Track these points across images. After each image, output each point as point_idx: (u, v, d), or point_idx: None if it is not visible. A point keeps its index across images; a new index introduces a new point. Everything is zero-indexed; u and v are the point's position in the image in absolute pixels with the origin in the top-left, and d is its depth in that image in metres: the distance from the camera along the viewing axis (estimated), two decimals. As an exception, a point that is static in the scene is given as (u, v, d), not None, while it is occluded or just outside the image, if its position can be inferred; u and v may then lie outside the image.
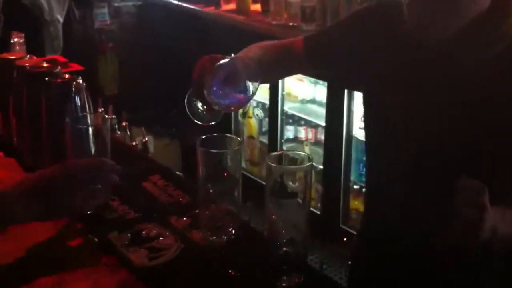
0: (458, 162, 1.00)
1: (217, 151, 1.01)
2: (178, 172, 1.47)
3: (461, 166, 0.98)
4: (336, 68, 1.26)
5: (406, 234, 1.05)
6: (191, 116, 1.12)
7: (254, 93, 1.04)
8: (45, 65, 1.40)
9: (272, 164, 0.92)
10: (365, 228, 1.25)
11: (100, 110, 1.30)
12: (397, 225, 1.07)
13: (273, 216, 0.94)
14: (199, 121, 1.13)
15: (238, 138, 1.04)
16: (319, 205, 2.89)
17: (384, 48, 1.09)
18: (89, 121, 1.23)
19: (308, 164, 0.92)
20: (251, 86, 1.04)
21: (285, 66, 1.26)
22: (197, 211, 1.09)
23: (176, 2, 3.79)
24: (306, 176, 0.92)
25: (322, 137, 2.92)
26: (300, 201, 0.93)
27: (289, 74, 1.45)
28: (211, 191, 1.02)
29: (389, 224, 1.10)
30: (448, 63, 1.01)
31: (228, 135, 1.07)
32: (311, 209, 3.04)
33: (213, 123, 1.13)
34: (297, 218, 0.94)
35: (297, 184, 0.94)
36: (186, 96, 1.12)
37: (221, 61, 1.02)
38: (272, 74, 1.26)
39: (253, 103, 3.35)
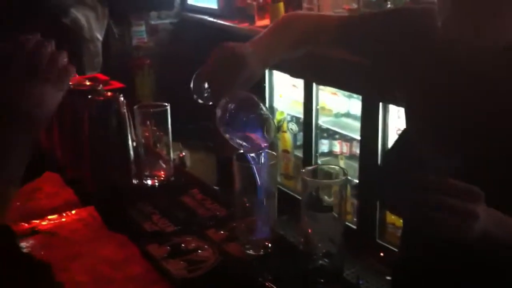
0: (496, 168, 0.98)
1: (253, 165, 1.03)
2: (214, 187, 1.49)
3: (498, 171, 0.96)
4: (369, 56, 1.23)
5: (451, 247, 1.03)
6: (195, 97, 1.12)
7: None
8: (87, 83, 1.45)
9: (308, 178, 0.93)
10: (405, 243, 1.24)
11: (148, 123, 1.34)
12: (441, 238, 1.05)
13: (309, 230, 0.96)
14: (203, 101, 1.12)
15: (274, 153, 1.06)
16: (355, 219, 2.88)
17: (418, 51, 1.08)
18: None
19: (343, 178, 0.93)
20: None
21: (314, 41, 1.25)
22: (234, 224, 1.12)
23: (211, 19, 3.86)
24: (341, 190, 0.94)
25: (357, 150, 2.91)
26: (336, 214, 0.94)
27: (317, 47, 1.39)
28: (247, 204, 1.05)
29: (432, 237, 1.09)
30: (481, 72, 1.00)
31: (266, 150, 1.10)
32: (347, 223, 3.02)
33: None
34: (332, 231, 0.96)
35: (332, 198, 0.95)
36: (194, 76, 1.13)
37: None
38: (298, 50, 1.25)
39: (287, 117, 3.37)
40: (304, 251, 0.98)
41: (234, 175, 1.04)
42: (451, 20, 0.94)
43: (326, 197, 0.96)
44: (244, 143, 1.01)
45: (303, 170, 0.95)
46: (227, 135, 1.02)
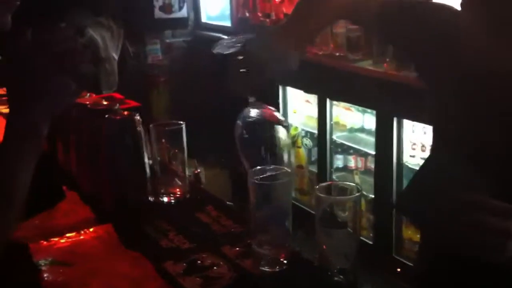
0: None
1: (267, 182, 1.04)
2: (228, 202, 1.50)
3: None
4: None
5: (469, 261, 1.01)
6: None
7: None
8: (104, 102, 1.48)
9: (321, 195, 0.94)
10: (424, 256, 1.22)
11: (163, 141, 1.36)
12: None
13: (324, 246, 0.96)
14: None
15: (289, 170, 1.07)
16: (371, 234, 2.86)
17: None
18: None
19: (357, 194, 0.94)
20: None
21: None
22: (249, 240, 1.12)
23: (225, 37, 3.90)
24: (355, 205, 0.94)
25: (372, 165, 2.91)
26: (350, 230, 0.95)
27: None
28: (261, 220, 1.05)
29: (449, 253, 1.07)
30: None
31: (279, 166, 1.11)
32: (363, 239, 3.00)
33: None
34: (347, 247, 0.96)
35: (347, 213, 0.96)
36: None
37: None
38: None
39: (301, 132, 3.38)
40: (319, 267, 0.98)
41: (249, 191, 1.05)
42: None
43: (340, 213, 0.96)
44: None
45: (317, 187, 0.96)
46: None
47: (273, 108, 1.21)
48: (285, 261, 1.06)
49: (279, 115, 1.21)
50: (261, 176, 1.05)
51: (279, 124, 1.18)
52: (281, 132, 1.18)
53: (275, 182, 1.05)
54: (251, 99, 1.16)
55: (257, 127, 1.16)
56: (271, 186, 1.04)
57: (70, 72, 0.84)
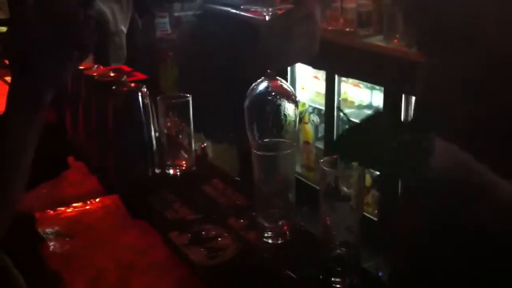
0: None
1: (271, 153, 1.05)
2: (236, 178, 1.52)
3: None
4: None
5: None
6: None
7: None
8: (111, 74, 1.48)
9: (325, 168, 0.95)
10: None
11: (170, 114, 1.37)
12: None
13: (327, 219, 0.97)
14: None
15: (292, 142, 1.08)
16: (376, 211, 2.87)
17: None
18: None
19: (361, 168, 0.94)
20: None
21: None
22: (253, 213, 1.14)
23: (234, 11, 3.87)
24: (359, 180, 0.95)
25: (378, 142, 2.90)
26: (354, 204, 0.95)
27: None
28: (266, 193, 1.06)
29: None
30: None
31: (282, 139, 1.11)
32: (368, 215, 3.00)
33: None
34: (350, 221, 0.97)
35: (351, 188, 0.96)
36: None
37: None
38: None
39: (309, 109, 3.37)
40: (322, 240, 0.99)
41: (254, 165, 1.06)
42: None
43: (344, 188, 0.97)
44: None
45: (322, 160, 0.96)
46: None
47: (285, 82, 1.21)
48: (288, 234, 1.08)
49: (290, 89, 1.21)
50: (265, 149, 1.05)
51: (290, 98, 1.18)
52: (290, 108, 1.18)
53: (278, 153, 1.05)
54: (269, 72, 1.17)
55: (267, 99, 1.16)
56: (274, 157, 1.05)
57: (72, 42, 0.83)
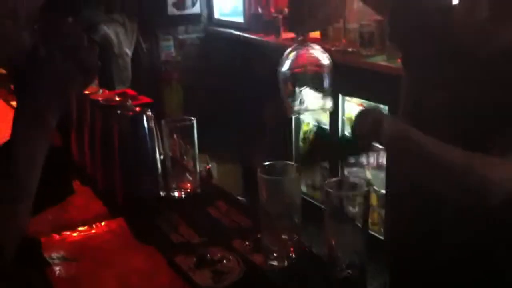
0: None
1: (277, 178, 1.05)
2: (239, 197, 1.52)
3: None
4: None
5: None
6: None
7: None
8: (116, 98, 1.50)
9: (330, 190, 0.95)
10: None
11: (175, 136, 1.38)
12: None
13: (332, 241, 0.97)
14: None
15: (297, 165, 1.08)
16: (382, 230, 2.86)
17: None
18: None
19: (366, 189, 0.94)
20: None
21: None
22: (258, 235, 1.13)
23: (237, 33, 3.91)
24: (364, 201, 0.95)
25: (384, 161, 2.90)
26: (359, 225, 0.95)
27: None
28: (271, 216, 1.06)
29: None
30: None
31: (288, 162, 1.12)
32: (374, 234, 2.97)
33: None
34: (356, 242, 0.96)
35: (356, 208, 0.96)
36: None
37: None
38: None
39: (313, 128, 3.38)
40: (328, 262, 0.99)
41: (259, 187, 1.06)
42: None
43: (350, 208, 0.97)
44: None
45: (326, 182, 0.96)
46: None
47: (318, 48, 1.22)
48: (293, 256, 1.07)
49: (322, 57, 1.23)
50: (271, 172, 1.06)
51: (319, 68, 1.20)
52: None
53: (284, 177, 1.06)
54: (299, 37, 1.19)
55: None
56: (280, 181, 1.05)
57: (77, 67, 0.85)
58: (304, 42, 1.21)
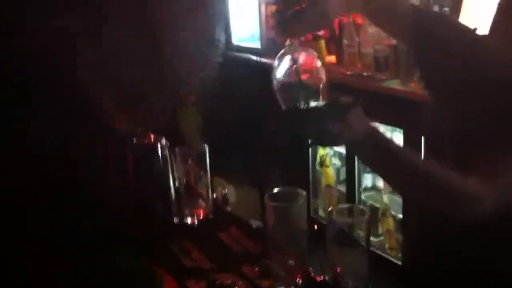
0: None
1: (283, 205, 1.08)
2: (256, 221, 1.53)
3: None
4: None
5: None
6: None
7: None
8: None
9: (331, 218, 0.98)
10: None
11: (188, 163, 1.42)
12: None
13: (336, 265, 0.99)
14: None
15: (304, 192, 1.11)
16: (400, 255, 2.84)
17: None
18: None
19: (366, 217, 0.97)
20: None
21: None
22: (267, 261, 1.16)
23: (254, 58, 3.98)
24: (367, 227, 0.97)
25: (401, 185, 2.90)
26: (362, 250, 0.98)
27: None
28: (278, 241, 1.09)
29: None
30: None
31: (296, 188, 1.14)
32: (392, 259, 2.93)
33: None
34: (360, 267, 0.99)
35: (360, 233, 0.99)
36: None
37: None
38: None
39: (330, 152, 3.40)
40: (332, 286, 1.01)
41: (266, 213, 1.09)
42: None
43: (355, 233, 0.99)
44: None
45: (329, 210, 0.99)
46: None
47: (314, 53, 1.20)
48: (300, 281, 1.10)
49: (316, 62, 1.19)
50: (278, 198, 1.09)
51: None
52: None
53: (290, 204, 1.09)
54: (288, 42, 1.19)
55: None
56: (286, 208, 1.08)
57: None
58: (294, 46, 1.19)
